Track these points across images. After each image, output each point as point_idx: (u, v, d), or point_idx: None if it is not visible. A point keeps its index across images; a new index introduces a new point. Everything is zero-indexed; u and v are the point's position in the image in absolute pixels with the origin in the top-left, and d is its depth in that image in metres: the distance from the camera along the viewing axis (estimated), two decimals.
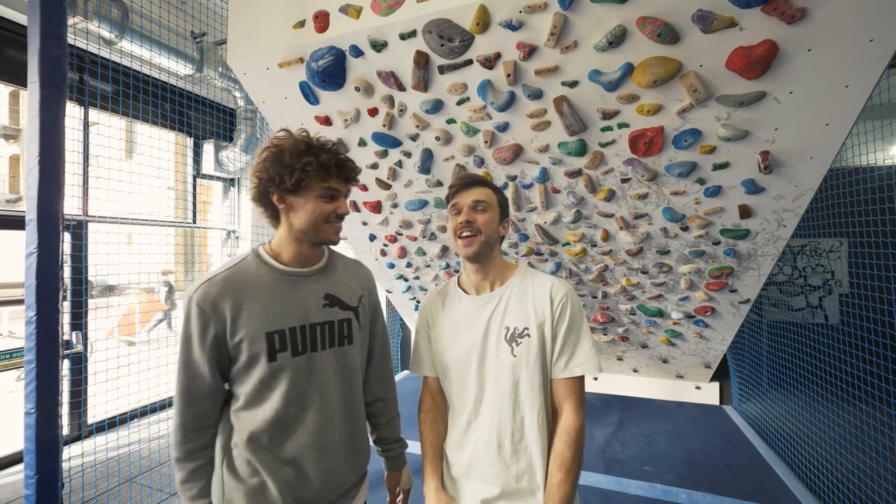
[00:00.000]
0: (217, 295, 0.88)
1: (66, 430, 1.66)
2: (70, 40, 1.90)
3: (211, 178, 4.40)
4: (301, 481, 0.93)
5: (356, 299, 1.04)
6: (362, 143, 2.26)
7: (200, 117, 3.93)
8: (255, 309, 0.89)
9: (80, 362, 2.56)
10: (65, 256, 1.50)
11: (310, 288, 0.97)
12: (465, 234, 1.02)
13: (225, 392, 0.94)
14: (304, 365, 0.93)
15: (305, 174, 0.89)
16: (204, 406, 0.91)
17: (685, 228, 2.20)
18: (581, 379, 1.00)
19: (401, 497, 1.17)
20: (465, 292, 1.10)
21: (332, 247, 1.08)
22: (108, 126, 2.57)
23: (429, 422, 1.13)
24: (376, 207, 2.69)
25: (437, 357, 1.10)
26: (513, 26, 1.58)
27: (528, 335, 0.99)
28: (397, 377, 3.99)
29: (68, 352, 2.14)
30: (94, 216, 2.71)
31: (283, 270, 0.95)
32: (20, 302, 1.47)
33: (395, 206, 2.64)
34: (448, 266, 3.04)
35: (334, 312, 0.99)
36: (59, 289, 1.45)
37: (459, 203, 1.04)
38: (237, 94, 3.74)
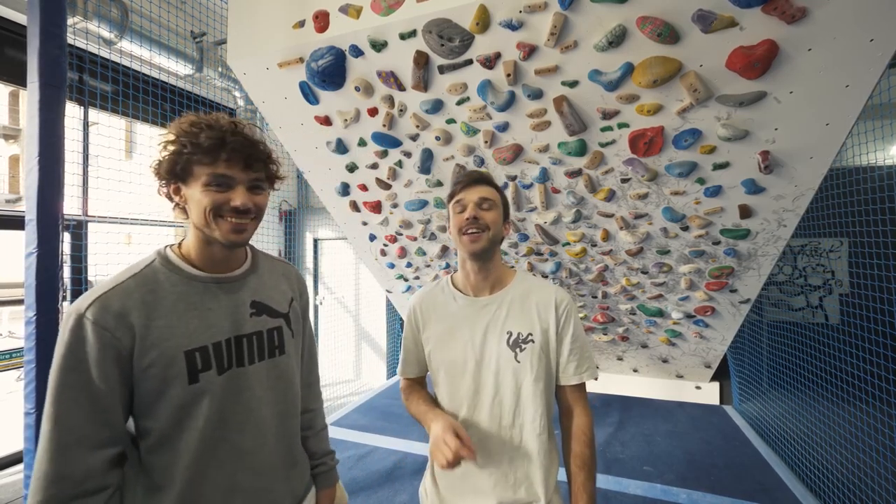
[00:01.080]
0: (121, 308, 0.71)
1: None
2: (70, 40, 1.90)
3: None
4: None
5: (286, 304, 0.93)
6: (362, 143, 2.26)
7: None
8: (171, 323, 0.74)
9: None
10: (65, 256, 1.50)
11: (232, 296, 0.84)
12: (471, 230, 0.99)
13: (128, 437, 0.76)
14: (232, 383, 0.80)
15: (181, 157, 0.75)
16: (100, 458, 0.69)
17: (685, 228, 2.20)
18: (585, 382, 1.03)
19: None
20: (462, 293, 1.07)
21: (256, 247, 0.96)
22: (108, 126, 2.57)
23: (413, 392, 1.10)
24: (376, 207, 2.69)
25: (430, 358, 1.07)
26: (513, 26, 1.58)
27: (533, 341, 0.98)
28: (397, 377, 3.99)
29: None
30: (94, 216, 2.71)
31: (199, 276, 0.81)
32: (20, 302, 1.47)
33: (395, 206, 2.64)
34: (448, 266, 3.04)
35: (263, 321, 0.87)
36: (59, 289, 1.45)
37: (465, 199, 1.02)
38: (237, 93, 3.74)
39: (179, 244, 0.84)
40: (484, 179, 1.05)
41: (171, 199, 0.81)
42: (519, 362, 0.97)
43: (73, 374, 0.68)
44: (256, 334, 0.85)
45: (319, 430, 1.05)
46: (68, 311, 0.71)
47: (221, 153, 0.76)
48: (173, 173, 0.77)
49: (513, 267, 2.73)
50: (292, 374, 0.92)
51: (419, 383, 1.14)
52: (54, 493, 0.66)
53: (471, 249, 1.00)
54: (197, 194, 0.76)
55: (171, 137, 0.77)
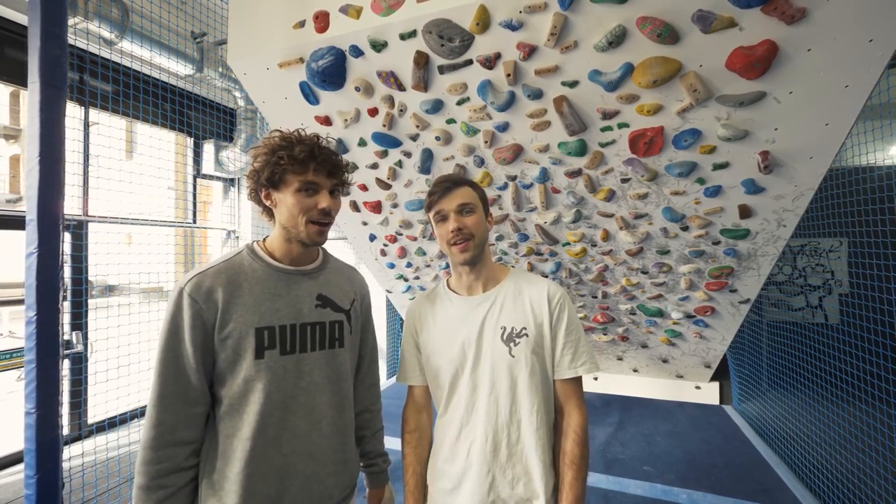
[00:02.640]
0: (210, 286, 0.84)
1: (66, 430, 1.66)
2: (70, 40, 1.90)
3: (211, 178, 4.40)
4: (285, 493, 0.86)
5: (348, 302, 1.01)
6: (362, 143, 2.26)
7: (200, 117, 3.93)
8: (248, 302, 0.86)
9: (80, 362, 2.56)
10: (65, 256, 1.50)
11: (302, 287, 0.94)
12: (457, 241, 0.99)
13: (209, 399, 0.87)
14: (292, 366, 0.89)
15: (279, 167, 0.87)
16: (186, 412, 0.82)
17: (685, 228, 2.20)
18: (581, 378, 1.02)
19: None
20: (456, 294, 1.08)
21: (327, 249, 1.06)
22: (108, 126, 2.57)
23: (413, 444, 1.09)
24: (376, 207, 2.69)
25: (428, 361, 1.07)
26: (513, 26, 1.58)
27: (527, 335, 0.98)
28: (392, 381, 3.99)
29: (68, 352, 2.14)
30: (94, 216, 2.71)
31: (276, 267, 0.93)
32: (20, 302, 1.47)
33: (395, 206, 2.64)
34: (448, 266, 3.04)
35: (326, 313, 0.96)
36: (59, 289, 1.45)
37: (444, 209, 1.01)
38: (237, 94, 3.74)
39: (264, 240, 0.97)
40: (457, 182, 1.04)
41: (261, 203, 0.94)
42: (513, 357, 0.98)
43: (172, 337, 0.82)
44: (319, 324, 0.94)
45: (376, 430, 1.12)
46: (177, 284, 0.86)
47: (311, 163, 0.89)
48: (270, 181, 0.89)
49: (504, 263, 2.74)
50: (347, 368, 1.00)
51: (428, 411, 1.12)
52: (154, 435, 0.80)
53: (460, 259, 1.01)
54: (289, 199, 0.89)
55: (265, 150, 0.89)
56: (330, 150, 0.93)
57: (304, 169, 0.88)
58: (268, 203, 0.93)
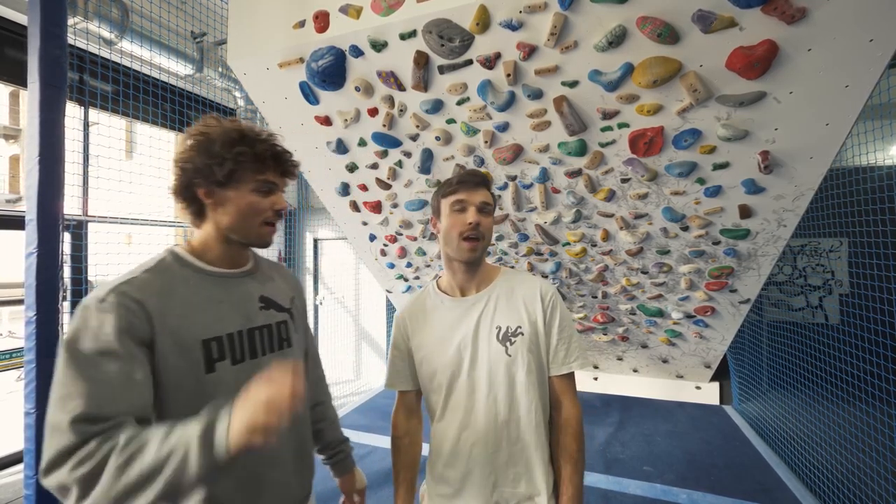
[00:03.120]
0: (139, 297, 0.72)
1: None
2: (70, 40, 1.90)
3: None
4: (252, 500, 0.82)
5: (288, 301, 0.98)
6: (362, 143, 2.26)
7: (200, 117, 3.92)
8: (186, 314, 0.77)
9: None
10: (65, 256, 1.50)
11: (244, 290, 0.88)
12: (471, 236, 0.98)
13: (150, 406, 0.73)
14: (245, 375, 0.78)
15: (238, 165, 0.80)
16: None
17: (685, 228, 2.20)
18: (574, 373, 1.03)
19: (359, 500, 1.11)
20: (448, 295, 1.07)
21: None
22: (108, 126, 2.57)
23: (403, 449, 1.08)
24: (376, 207, 2.69)
25: (422, 365, 1.06)
26: (513, 26, 1.58)
27: (522, 333, 0.99)
28: None
29: None
30: (94, 216, 2.71)
31: (211, 272, 0.84)
32: (20, 302, 1.47)
33: (395, 206, 2.64)
34: None
35: (271, 315, 0.91)
36: (59, 289, 1.45)
37: (467, 201, 1.00)
38: (237, 94, 3.74)
39: (189, 242, 0.87)
40: (485, 182, 1.04)
41: (192, 199, 0.83)
42: (510, 356, 0.98)
43: (88, 356, 0.67)
44: (266, 327, 0.89)
45: (333, 420, 1.10)
46: (84, 302, 0.70)
47: (271, 162, 0.84)
48: (217, 178, 0.80)
49: (504, 263, 2.74)
50: (300, 367, 0.95)
51: (418, 415, 1.12)
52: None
53: (468, 257, 1.00)
54: (243, 198, 0.82)
55: (221, 143, 0.80)
56: (286, 150, 0.89)
57: (265, 168, 0.84)
58: (208, 200, 0.82)
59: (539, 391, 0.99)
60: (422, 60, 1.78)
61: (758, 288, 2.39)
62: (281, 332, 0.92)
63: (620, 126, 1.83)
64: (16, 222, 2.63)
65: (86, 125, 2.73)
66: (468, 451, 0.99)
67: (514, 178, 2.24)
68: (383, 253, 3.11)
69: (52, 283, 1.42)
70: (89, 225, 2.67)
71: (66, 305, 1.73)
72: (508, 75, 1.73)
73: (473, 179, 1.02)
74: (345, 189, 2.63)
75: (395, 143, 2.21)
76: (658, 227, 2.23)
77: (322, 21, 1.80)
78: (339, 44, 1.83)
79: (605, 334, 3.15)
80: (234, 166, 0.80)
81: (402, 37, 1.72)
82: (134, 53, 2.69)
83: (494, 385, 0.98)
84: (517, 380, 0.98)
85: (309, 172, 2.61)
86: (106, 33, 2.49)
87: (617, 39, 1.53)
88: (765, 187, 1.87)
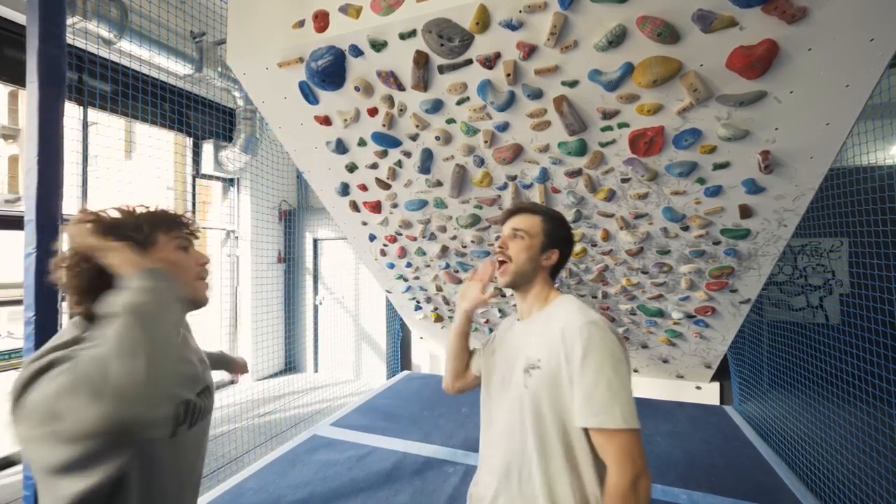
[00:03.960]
0: None
1: None
2: (69, 40, 1.90)
3: (210, 178, 4.39)
4: None
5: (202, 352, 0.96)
6: (362, 143, 2.26)
7: (200, 117, 3.93)
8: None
9: None
10: None
11: (193, 348, 0.88)
12: (500, 259, 1.05)
13: None
14: (198, 437, 0.81)
15: (150, 230, 0.80)
16: None
17: (685, 228, 2.19)
18: (618, 432, 0.82)
19: (243, 362, 1.35)
20: (517, 317, 1.12)
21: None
22: (108, 126, 2.57)
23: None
24: (376, 207, 2.69)
25: (484, 378, 1.12)
26: (513, 26, 1.58)
27: (539, 367, 0.92)
28: (397, 378, 3.98)
29: None
30: None
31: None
32: (20, 302, 1.47)
33: (394, 206, 2.64)
34: (448, 266, 3.03)
35: (207, 374, 0.90)
36: (59, 289, 1.45)
37: (502, 230, 1.08)
38: (237, 93, 3.74)
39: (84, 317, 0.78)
40: (528, 209, 1.08)
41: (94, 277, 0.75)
42: (527, 388, 0.92)
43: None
44: (208, 386, 0.91)
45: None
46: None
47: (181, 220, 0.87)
48: (144, 243, 0.80)
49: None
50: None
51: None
52: None
53: (500, 282, 1.05)
54: (172, 257, 0.81)
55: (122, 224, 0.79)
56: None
57: (179, 228, 0.83)
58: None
59: (557, 432, 0.90)
60: (421, 60, 1.77)
61: (758, 288, 2.39)
62: (213, 389, 0.92)
63: (620, 126, 1.83)
64: (15, 222, 2.63)
65: (85, 125, 2.73)
66: (486, 478, 1.01)
67: (514, 178, 2.24)
68: (383, 253, 3.11)
69: (51, 284, 1.41)
70: None
71: (65, 306, 1.73)
72: (508, 75, 1.72)
73: (516, 207, 1.10)
74: (344, 189, 2.63)
75: (395, 142, 2.21)
76: (658, 226, 2.23)
77: (322, 21, 1.80)
78: (339, 43, 1.83)
79: None
80: (149, 233, 0.80)
81: (402, 36, 1.72)
82: (133, 53, 2.68)
83: (513, 415, 0.96)
84: (528, 415, 0.92)
85: (308, 172, 2.61)
86: (105, 33, 2.49)
87: (617, 39, 1.53)
88: (765, 187, 1.87)
